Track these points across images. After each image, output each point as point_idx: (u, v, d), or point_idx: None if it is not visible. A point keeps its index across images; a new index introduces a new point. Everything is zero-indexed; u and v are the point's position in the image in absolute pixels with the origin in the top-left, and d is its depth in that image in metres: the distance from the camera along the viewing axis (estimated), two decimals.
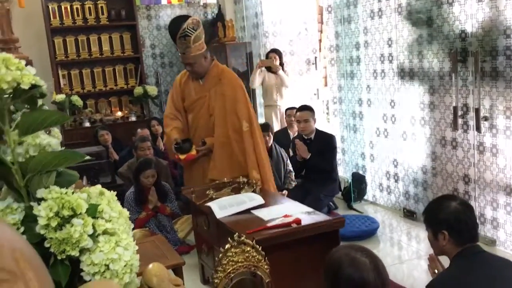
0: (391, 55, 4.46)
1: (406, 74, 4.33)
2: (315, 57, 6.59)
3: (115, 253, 1.07)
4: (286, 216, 2.77)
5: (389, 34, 4.45)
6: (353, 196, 4.98)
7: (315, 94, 6.70)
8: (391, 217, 4.71)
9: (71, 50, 6.44)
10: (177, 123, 3.88)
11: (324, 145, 4.65)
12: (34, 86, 1.00)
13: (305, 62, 6.63)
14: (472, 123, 3.71)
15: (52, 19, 6.22)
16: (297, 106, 5.02)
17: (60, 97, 6.08)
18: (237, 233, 2.12)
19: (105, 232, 1.11)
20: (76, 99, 6.22)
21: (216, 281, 2.10)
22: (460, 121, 3.81)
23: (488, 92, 3.58)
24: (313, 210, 2.91)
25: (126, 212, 1.24)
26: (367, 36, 4.73)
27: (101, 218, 1.14)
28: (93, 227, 1.08)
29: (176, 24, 3.59)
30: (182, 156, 3.70)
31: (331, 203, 4.92)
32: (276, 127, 5.95)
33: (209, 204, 3.05)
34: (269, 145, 4.89)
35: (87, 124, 6.38)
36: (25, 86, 0.97)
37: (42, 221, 1.01)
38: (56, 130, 3.90)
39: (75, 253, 1.03)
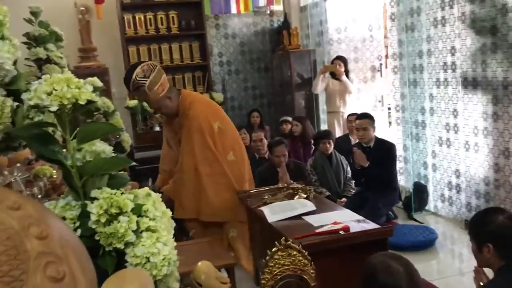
0: (454, 63, 4.39)
1: (469, 83, 4.25)
2: (380, 64, 6.57)
3: (155, 247, 1.22)
4: (335, 223, 2.83)
5: (452, 42, 4.39)
6: (413, 206, 4.93)
7: (379, 101, 6.67)
8: (452, 228, 4.61)
9: (144, 58, 6.78)
10: (164, 166, 3.86)
11: (383, 153, 4.64)
12: (90, 102, 1.17)
13: (369, 69, 6.62)
14: None
15: (127, 29, 6.61)
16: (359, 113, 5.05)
17: (133, 102, 6.45)
18: (283, 237, 2.23)
19: (148, 229, 1.26)
20: (147, 105, 6.57)
21: (263, 282, 2.21)
22: None
23: None
24: (363, 219, 2.95)
25: (169, 212, 1.39)
26: (430, 44, 4.68)
27: (146, 217, 1.30)
28: (137, 224, 1.24)
29: (127, 78, 3.41)
30: None
31: (390, 213, 4.89)
32: (339, 133, 6.00)
33: (262, 208, 3.18)
34: (329, 152, 4.96)
35: (157, 129, 6.71)
36: (82, 102, 1.14)
37: (93, 217, 1.17)
38: (126, 134, 4.14)
39: (120, 246, 1.19)
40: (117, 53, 6.63)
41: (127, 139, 4.37)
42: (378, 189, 4.63)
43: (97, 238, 1.19)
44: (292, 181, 4.13)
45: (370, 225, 2.83)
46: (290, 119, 6.35)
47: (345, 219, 2.92)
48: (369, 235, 2.71)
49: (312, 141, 5.87)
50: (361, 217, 2.98)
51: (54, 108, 1.12)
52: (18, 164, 1.65)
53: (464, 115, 4.36)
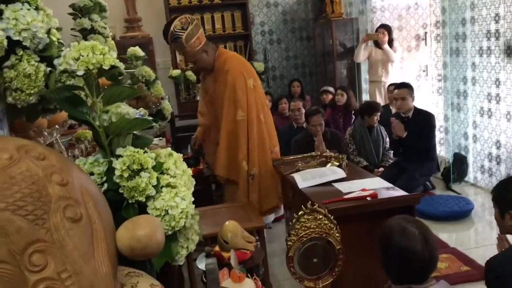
0: (498, 31, 4.25)
1: None
2: (425, 33, 6.41)
3: (174, 201, 1.33)
4: (364, 190, 2.89)
5: (496, 9, 4.25)
6: (452, 177, 4.88)
7: (424, 71, 6.53)
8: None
9: None
10: (203, 120, 3.97)
11: (421, 123, 4.60)
12: (113, 67, 1.27)
13: (414, 38, 6.47)
14: None
15: None
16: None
17: (176, 72, 6.60)
18: (310, 201, 2.31)
19: (168, 185, 1.37)
20: (190, 74, 6.71)
21: (289, 243, 2.31)
22: None
23: None
24: (392, 186, 2.98)
25: (189, 171, 1.50)
26: (474, 11, 4.54)
27: (167, 174, 1.41)
28: (158, 180, 1.35)
29: (166, 30, 3.55)
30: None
31: (428, 183, 4.87)
32: (380, 103, 5.94)
33: (293, 175, 3.27)
34: (375, 124, 4.97)
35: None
36: (106, 67, 1.25)
37: (117, 172, 1.29)
38: (166, 102, 4.30)
39: (142, 198, 1.30)
40: (161, 23, 6.72)
41: (167, 107, 4.52)
42: (416, 159, 4.60)
43: (121, 191, 1.31)
44: (327, 150, 4.18)
45: (398, 192, 2.87)
46: (331, 89, 6.34)
47: (375, 186, 2.96)
48: (395, 201, 2.75)
49: (353, 111, 5.85)
50: (390, 185, 3.01)
51: (80, 73, 1.23)
52: (57, 126, 1.80)
53: (507, 85, 4.25)
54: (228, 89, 3.60)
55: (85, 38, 4.00)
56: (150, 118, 3.96)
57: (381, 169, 4.91)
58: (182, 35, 3.48)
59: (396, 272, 1.80)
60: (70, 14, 3.97)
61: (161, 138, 3.74)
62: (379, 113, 4.94)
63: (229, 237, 2.23)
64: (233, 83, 3.60)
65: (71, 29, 3.97)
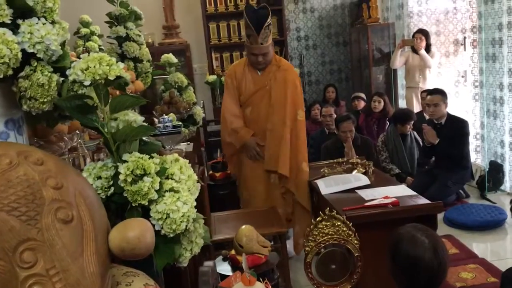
0: None
1: None
2: (464, 38, 6.27)
3: (175, 205, 1.39)
4: (386, 197, 2.87)
5: None
6: (487, 185, 4.76)
7: (463, 77, 6.39)
8: None
9: (223, 34, 7.01)
10: (241, 122, 3.75)
11: (454, 130, 4.52)
12: (119, 77, 1.35)
13: (452, 43, 6.34)
14: None
15: (208, 6, 6.84)
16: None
17: (212, 78, 6.72)
18: (328, 208, 2.33)
19: (171, 189, 1.43)
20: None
21: (307, 249, 2.33)
22: None
23: None
24: (416, 194, 2.95)
25: (195, 176, 1.55)
26: (511, 16, 4.43)
27: (171, 179, 1.47)
28: (161, 185, 1.41)
29: (263, 14, 3.57)
30: (217, 174, 3.93)
31: (461, 191, 4.77)
32: (417, 109, 5.86)
33: (317, 181, 3.29)
34: (408, 132, 4.93)
35: None
36: (111, 77, 1.32)
37: (121, 177, 1.36)
38: (198, 108, 4.39)
39: (144, 202, 1.37)
40: (198, 30, 6.88)
41: (199, 112, 4.61)
42: (449, 167, 4.53)
43: (125, 195, 1.38)
44: (357, 156, 4.16)
45: (421, 201, 2.84)
46: (362, 95, 6.30)
47: (398, 194, 2.95)
48: (416, 210, 2.73)
49: (388, 118, 5.79)
50: (414, 193, 2.99)
51: (87, 83, 1.31)
52: (77, 131, 1.90)
53: None
54: (290, 87, 3.64)
55: (120, 45, 4.15)
56: (180, 123, 4.07)
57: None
58: (271, 24, 3.61)
59: (404, 280, 1.80)
60: (107, 22, 4.13)
61: (189, 143, 3.82)
62: (412, 122, 4.89)
63: (244, 241, 2.27)
64: (293, 81, 3.68)
65: (108, 36, 4.13)
